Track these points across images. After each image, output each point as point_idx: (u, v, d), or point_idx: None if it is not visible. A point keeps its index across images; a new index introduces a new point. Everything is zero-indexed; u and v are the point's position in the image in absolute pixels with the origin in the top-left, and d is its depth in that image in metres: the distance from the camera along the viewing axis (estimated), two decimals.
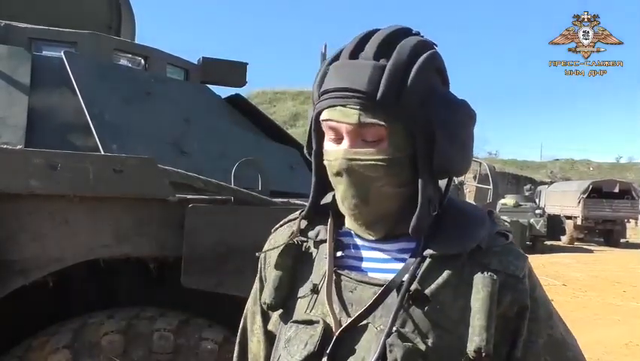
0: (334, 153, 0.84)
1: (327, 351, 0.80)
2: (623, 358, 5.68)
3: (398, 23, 0.87)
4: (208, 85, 3.18)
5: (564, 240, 19.03)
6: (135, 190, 1.74)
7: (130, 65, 2.76)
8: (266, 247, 1.02)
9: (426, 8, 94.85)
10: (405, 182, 0.84)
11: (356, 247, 0.91)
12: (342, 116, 0.81)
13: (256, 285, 1.04)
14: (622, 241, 19.84)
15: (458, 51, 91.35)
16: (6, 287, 1.60)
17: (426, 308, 0.81)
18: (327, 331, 0.82)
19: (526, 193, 19.74)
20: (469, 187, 4.08)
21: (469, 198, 3.59)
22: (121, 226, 1.76)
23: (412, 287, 0.81)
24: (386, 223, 0.87)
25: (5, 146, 1.67)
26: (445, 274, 0.83)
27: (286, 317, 0.91)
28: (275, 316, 0.95)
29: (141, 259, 1.86)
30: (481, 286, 0.81)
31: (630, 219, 20.31)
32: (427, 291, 0.82)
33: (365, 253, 0.90)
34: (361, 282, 0.86)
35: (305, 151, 0.96)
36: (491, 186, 3.40)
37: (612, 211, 19.35)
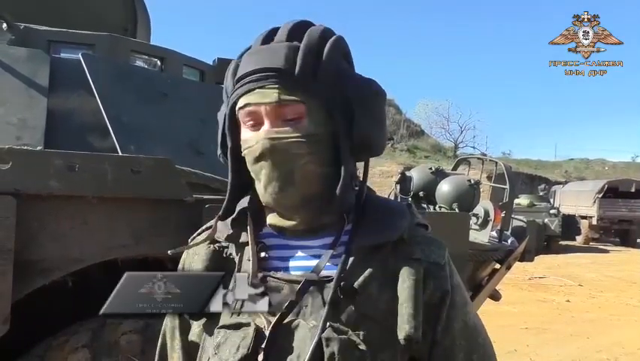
0: (255, 137, 0.83)
1: (262, 351, 0.78)
2: None
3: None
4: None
5: (579, 240, 18.82)
6: (152, 191, 1.75)
7: (146, 66, 2.77)
8: (184, 258, 0.98)
9: (426, 8, 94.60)
10: (328, 161, 0.85)
11: (279, 246, 0.89)
12: (261, 98, 0.81)
13: None
14: (638, 241, 19.58)
15: (459, 51, 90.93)
16: (26, 287, 1.61)
17: (356, 301, 0.81)
18: (259, 332, 0.79)
19: (541, 193, 19.53)
20: (484, 187, 4.04)
21: (485, 199, 3.55)
22: (138, 226, 1.77)
23: (342, 282, 0.81)
24: (310, 209, 0.86)
25: (25, 147, 1.69)
26: (371, 266, 0.84)
27: (210, 326, 0.87)
28: (197, 326, 0.91)
29: (159, 259, 1.87)
30: (407, 275, 0.83)
31: None
32: (356, 284, 0.82)
33: (289, 252, 0.88)
34: (287, 281, 0.84)
35: (219, 153, 0.93)
36: (508, 186, 3.37)
37: (628, 211, 19.11)
